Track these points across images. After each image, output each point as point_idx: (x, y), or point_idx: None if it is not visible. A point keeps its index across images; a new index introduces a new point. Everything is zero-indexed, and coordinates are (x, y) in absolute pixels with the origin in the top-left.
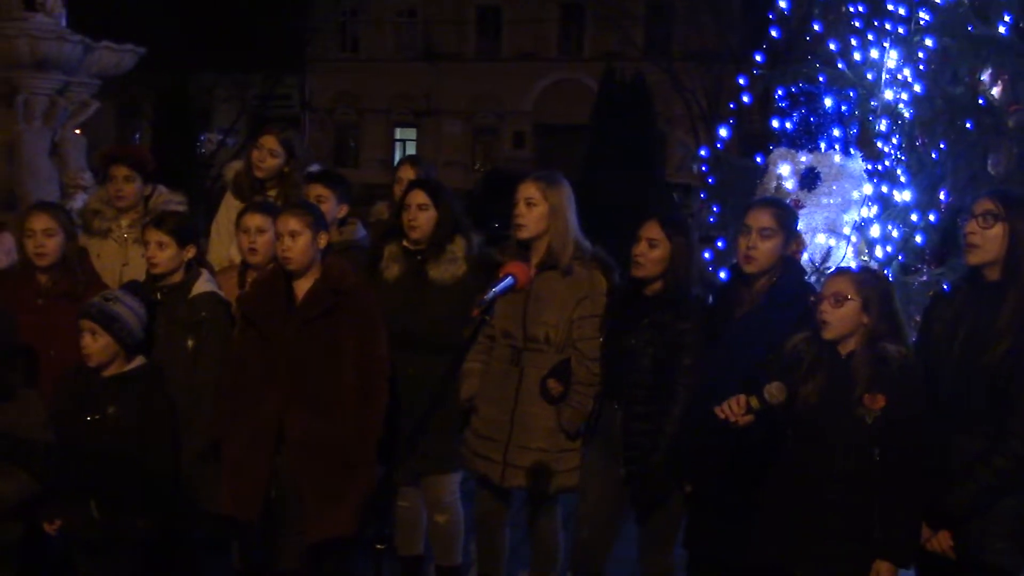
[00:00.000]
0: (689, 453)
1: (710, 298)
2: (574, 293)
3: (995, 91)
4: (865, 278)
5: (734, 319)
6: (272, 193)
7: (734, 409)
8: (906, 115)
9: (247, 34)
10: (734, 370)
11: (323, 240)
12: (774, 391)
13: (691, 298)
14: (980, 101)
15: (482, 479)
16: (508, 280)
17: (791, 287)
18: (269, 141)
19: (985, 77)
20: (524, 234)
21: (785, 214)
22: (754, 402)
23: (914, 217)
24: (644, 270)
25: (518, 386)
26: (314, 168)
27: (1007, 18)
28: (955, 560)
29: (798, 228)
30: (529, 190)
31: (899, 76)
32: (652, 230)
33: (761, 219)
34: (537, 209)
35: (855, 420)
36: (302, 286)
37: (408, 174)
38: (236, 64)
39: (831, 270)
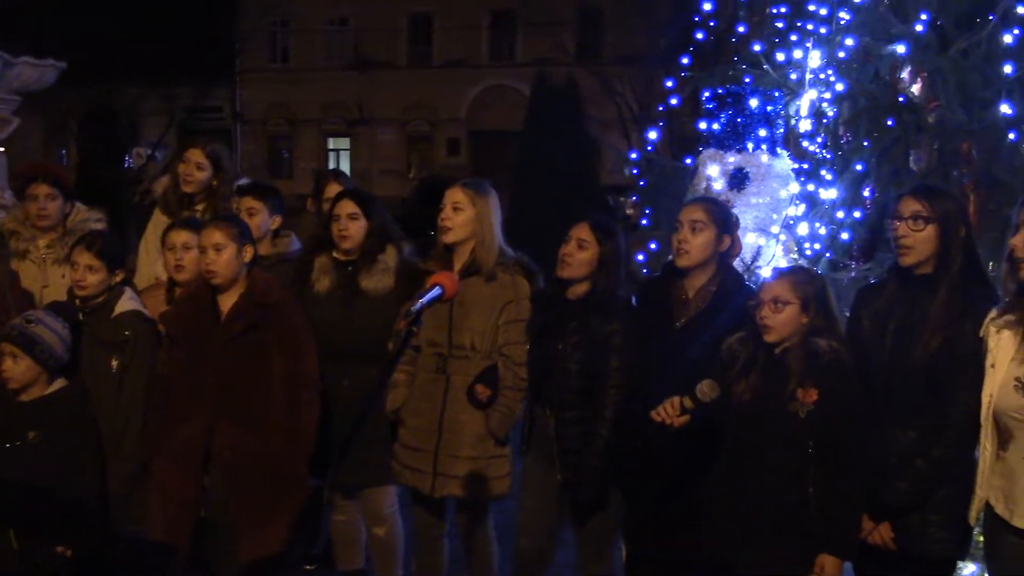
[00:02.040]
0: (625, 454)
1: (634, 299)
2: (499, 299)
3: (915, 88)
4: (801, 279)
5: (676, 326)
6: (200, 208)
7: (669, 411)
8: (830, 114)
9: (175, 46)
10: (676, 377)
11: (248, 253)
12: (706, 389)
13: (617, 299)
14: (901, 99)
15: (414, 492)
16: (435, 290)
17: (733, 293)
18: (195, 155)
19: (905, 75)
20: (450, 238)
21: (716, 209)
22: (687, 402)
23: (840, 214)
24: (571, 270)
25: (445, 394)
26: (243, 181)
27: (924, 16)
28: (896, 551)
29: (735, 225)
30: (457, 195)
31: (822, 76)
32: (582, 231)
33: (692, 213)
34: (464, 214)
35: (789, 415)
36: (227, 301)
37: (333, 189)
38: (164, 77)
39: (761, 269)
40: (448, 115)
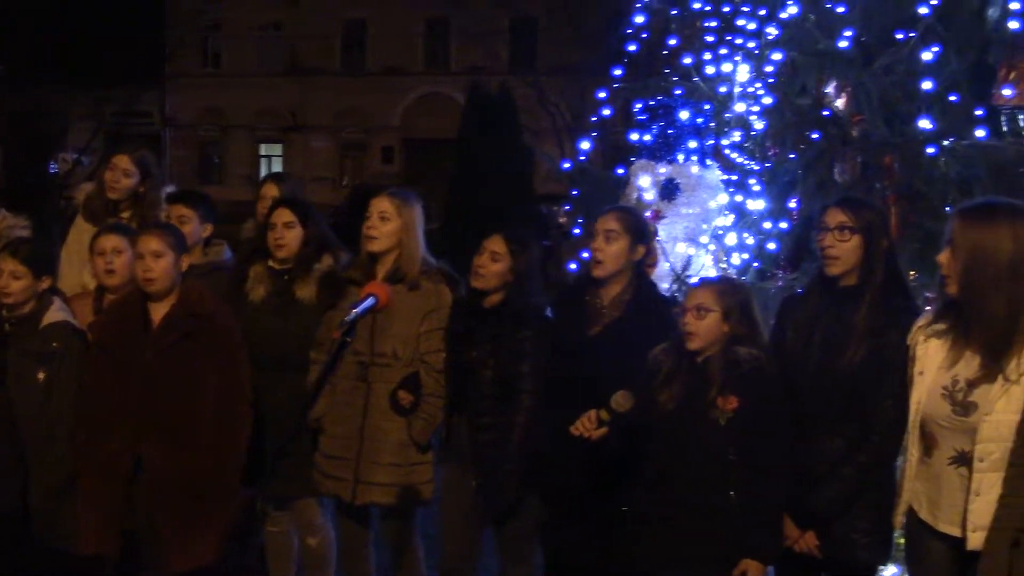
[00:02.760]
0: (542, 461)
1: (548, 309)
2: (421, 307)
3: (839, 103)
4: (725, 288)
5: (590, 335)
6: (126, 215)
7: (586, 425)
8: (758, 126)
9: (104, 50)
10: (591, 385)
11: (185, 263)
12: (620, 400)
13: (530, 307)
14: (826, 112)
15: (336, 501)
16: (369, 300)
17: (648, 301)
18: (122, 161)
19: (830, 89)
20: (375, 247)
21: (630, 218)
22: (603, 414)
23: (767, 225)
24: (483, 281)
25: (366, 402)
26: (171, 188)
27: (849, 33)
28: (822, 559)
29: (650, 234)
30: (384, 205)
31: (750, 89)
32: (496, 244)
33: (606, 223)
34: (390, 224)
35: (710, 422)
36: (159, 310)
37: (272, 192)
38: (92, 81)
39: (692, 278)
40: (382, 123)
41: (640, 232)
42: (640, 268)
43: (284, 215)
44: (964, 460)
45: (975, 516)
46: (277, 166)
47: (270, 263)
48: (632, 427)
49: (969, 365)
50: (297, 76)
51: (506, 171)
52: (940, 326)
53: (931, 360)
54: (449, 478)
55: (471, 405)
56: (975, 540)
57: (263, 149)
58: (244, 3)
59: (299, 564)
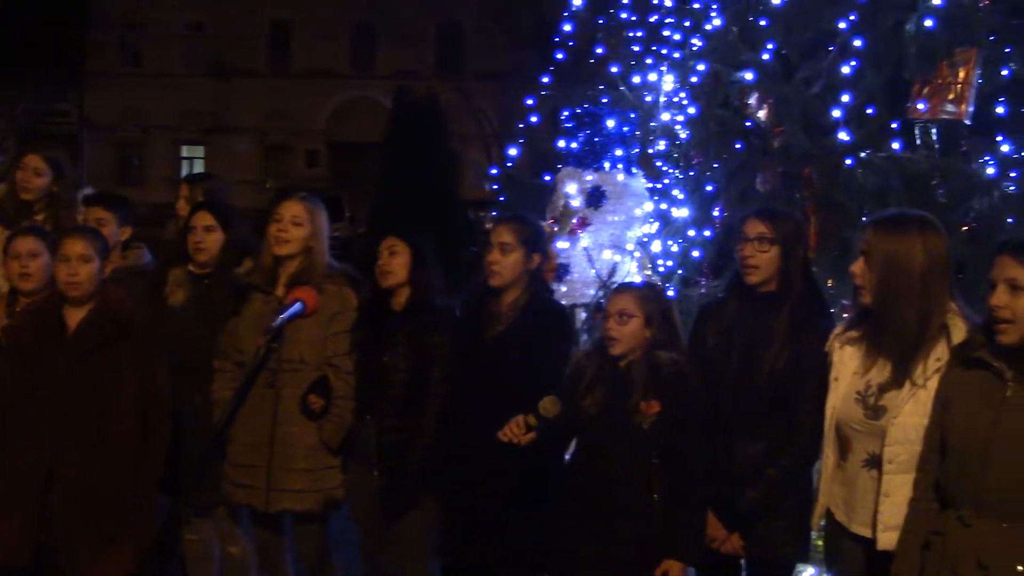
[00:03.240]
0: (447, 463)
1: (457, 311)
2: (327, 310)
3: (761, 114)
4: (647, 294)
5: (489, 338)
6: (40, 217)
7: (514, 430)
8: (683, 136)
9: (20, 47)
10: (493, 388)
11: (107, 268)
12: (548, 405)
13: (440, 310)
14: (748, 123)
15: (251, 510)
16: (296, 306)
17: (541, 305)
18: (33, 160)
19: (752, 101)
20: (286, 251)
21: (524, 229)
22: (531, 420)
23: (691, 233)
24: (390, 278)
25: (275, 408)
26: (88, 190)
27: (771, 46)
28: (741, 558)
29: (546, 241)
30: (296, 209)
31: (675, 99)
32: (391, 241)
33: (501, 235)
34: (302, 229)
35: (633, 427)
36: (76, 316)
37: (192, 194)
38: (6, 79)
39: (617, 285)
40: (307, 125)
41: (535, 242)
42: (537, 274)
43: (204, 219)
44: (875, 462)
45: (885, 517)
46: (199, 168)
47: (190, 267)
48: (558, 432)
49: (881, 371)
50: (221, 77)
51: (433, 176)
52: (854, 333)
53: (846, 367)
54: (354, 479)
55: (379, 407)
56: (885, 540)
57: (185, 151)
58: (166, 2)
59: (220, 573)
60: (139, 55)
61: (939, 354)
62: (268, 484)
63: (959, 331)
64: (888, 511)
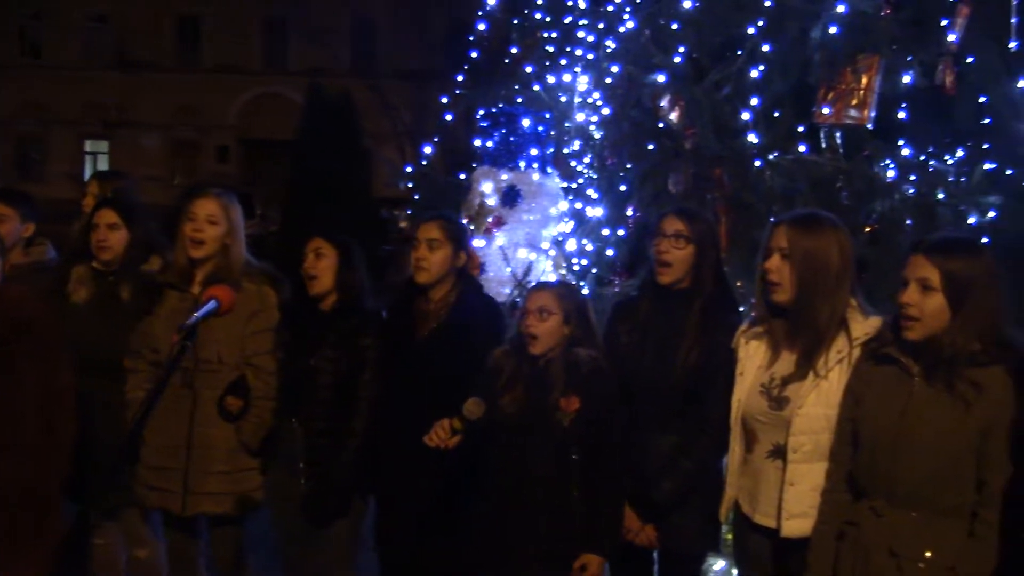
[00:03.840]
0: (379, 465)
1: (384, 311)
2: (245, 309)
3: (673, 116)
4: (564, 292)
5: (420, 337)
6: None
7: (440, 435)
8: (596, 136)
9: None
10: (423, 387)
11: (7, 266)
12: (472, 407)
13: (369, 311)
14: (661, 125)
15: (164, 513)
16: (211, 304)
17: (472, 301)
18: None
19: (664, 103)
20: (202, 252)
21: (451, 226)
22: (456, 424)
23: (606, 232)
24: (318, 284)
25: (193, 409)
26: None
27: (682, 49)
28: (654, 550)
29: (468, 241)
30: (212, 207)
31: (590, 99)
32: (317, 242)
33: (429, 232)
34: (218, 228)
35: (553, 424)
36: None
37: (97, 190)
38: None
39: (532, 283)
40: (217, 121)
41: (461, 239)
42: (465, 271)
43: (107, 216)
44: (779, 453)
45: (789, 505)
46: (103, 163)
47: (94, 264)
48: (481, 432)
49: (785, 364)
50: (126, 70)
51: (346, 174)
52: (759, 329)
53: (751, 361)
54: (277, 484)
55: (305, 410)
56: (788, 528)
57: (88, 145)
58: None
59: None
60: (39, 46)
61: (839, 346)
62: (185, 487)
63: (858, 324)
64: (792, 499)
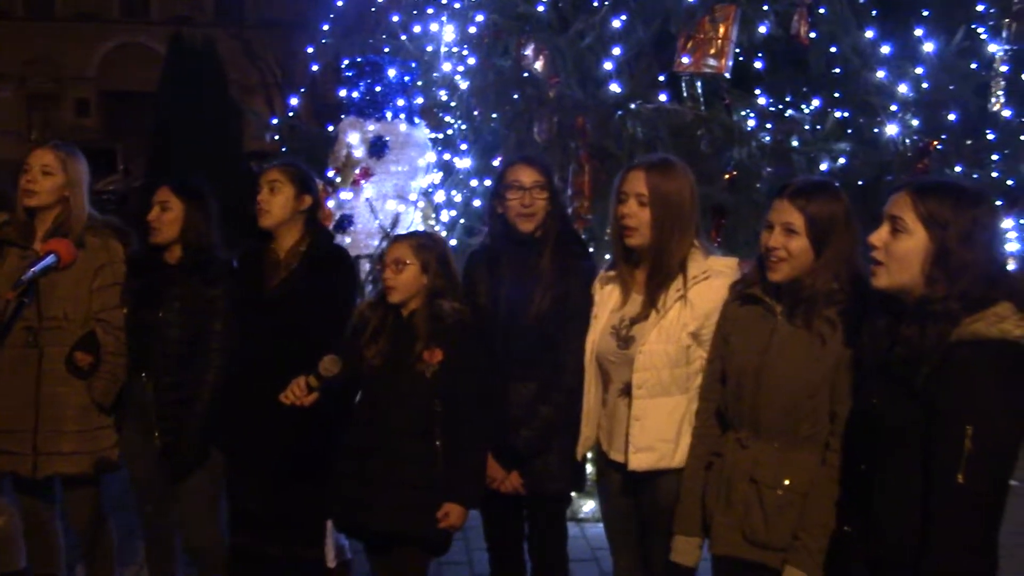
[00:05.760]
0: (226, 417)
1: (235, 262)
2: (90, 264)
3: (538, 65)
4: (422, 243)
5: (270, 287)
6: None
7: (296, 393)
8: (463, 86)
9: None
10: (274, 338)
11: None
12: (328, 365)
13: (217, 263)
14: (525, 74)
15: (14, 477)
16: (49, 258)
17: (321, 251)
18: None
19: (528, 52)
20: (35, 202)
21: (292, 169)
22: (313, 381)
23: (474, 183)
24: (160, 235)
25: (39, 368)
26: None
27: None
28: (525, 496)
29: (317, 188)
30: (47, 158)
31: (455, 49)
32: (163, 194)
33: (270, 175)
34: (53, 179)
35: (416, 376)
36: None
37: None
38: None
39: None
40: (75, 73)
41: (304, 182)
42: (313, 218)
43: None
44: (628, 391)
45: (635, 439)
46: None
47: None
48: (339, 388)
49: (634, 305)
50: None
51: (212, 126)
52: (612, 273)
53: (605, 305)
54: (131, 440)
55: (155, 364)
56: (635, 461)
57: None
58: None
59: None
60: None
61: (678, 285)
62: (35, 449)
63: (695, 264)
64: (638, 434)
